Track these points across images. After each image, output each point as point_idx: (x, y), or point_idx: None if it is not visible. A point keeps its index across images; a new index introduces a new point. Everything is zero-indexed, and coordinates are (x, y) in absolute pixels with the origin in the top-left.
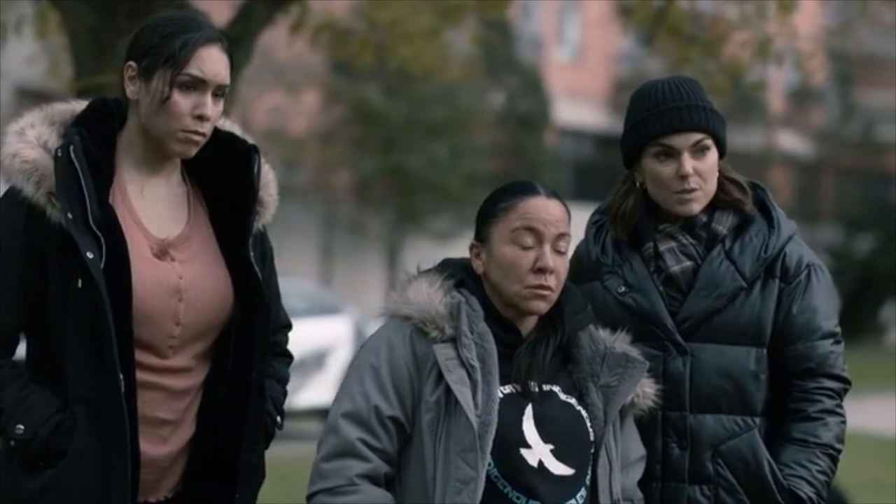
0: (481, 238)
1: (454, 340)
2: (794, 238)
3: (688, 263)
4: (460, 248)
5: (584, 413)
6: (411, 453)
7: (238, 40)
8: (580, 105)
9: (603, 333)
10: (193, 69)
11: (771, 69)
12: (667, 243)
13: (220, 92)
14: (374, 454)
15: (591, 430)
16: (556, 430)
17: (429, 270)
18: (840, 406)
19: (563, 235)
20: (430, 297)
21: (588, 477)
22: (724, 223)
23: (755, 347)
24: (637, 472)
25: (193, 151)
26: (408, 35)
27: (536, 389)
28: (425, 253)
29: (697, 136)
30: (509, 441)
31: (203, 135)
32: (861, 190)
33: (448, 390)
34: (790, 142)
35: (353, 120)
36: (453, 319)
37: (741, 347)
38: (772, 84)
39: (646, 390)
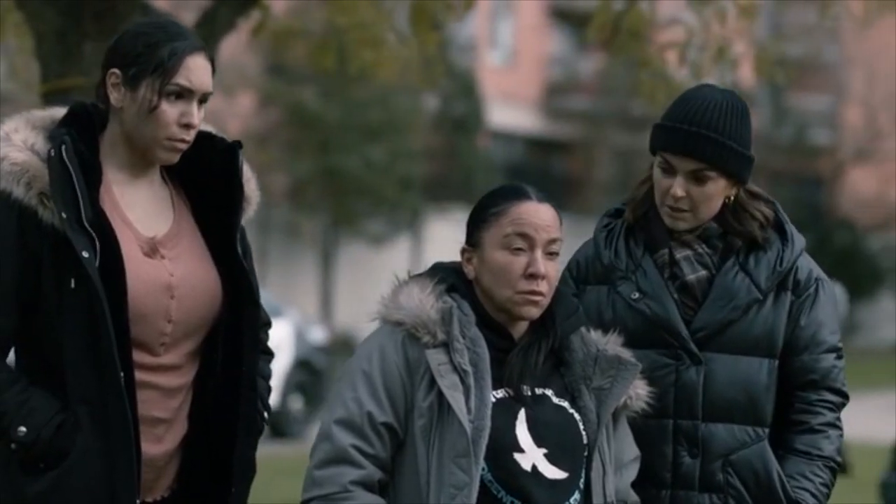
0: (472, 243)
1: (446, 345)
2: (804, 252)
3: (703, 272)
4: (395, 252)
5: (576, 416)
6: (404, 459)
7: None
8: (513, 108)
9: (595, 335)
10: (181, 79)
11: (703, 74)
12: (683, 251)
13: (203, 99)
14: (368, 460)
15: (584, 433)
16: (549, 434)
17: (420, 275)
18: (839, 419)
19: (554, 240)
20: (422, 302)
21: (582, 480)
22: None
23: (767, 359)
24: (630, 473)
25: (176, 158)
26: (372, 40)
27: (529, 393)
28: (360, 256)
29: (696, 165)
30: (503, 446)
31: (187, 142)
32: (793, 193)
33: (441, 396)
34: None
35: (288, 122)
36: (445, 324)
37: (754, 359)
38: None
39: (638, 392)
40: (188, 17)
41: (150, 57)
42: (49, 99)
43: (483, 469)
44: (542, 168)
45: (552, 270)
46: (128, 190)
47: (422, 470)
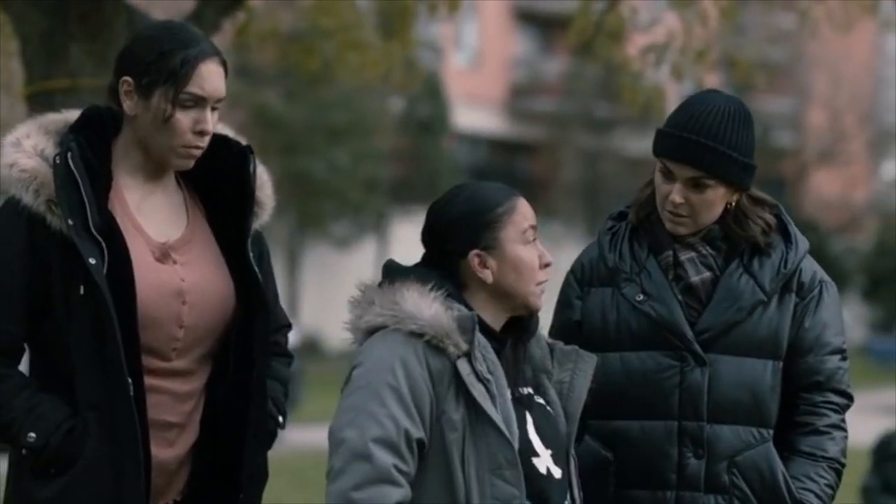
0: (486, 246)
1: (467, 355)
2: (807, 254)
3: (707, 274)
4: (360, 254)
5: (551, 411)
6: (427, 474)
7: None
8: (477, 110)
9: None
10: (195, 88)
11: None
12: (687, 253)
13: (218, 104)
14: (405, 479)
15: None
16: (550, 434)
17: (404, 279)
18: (844, 421)
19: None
20: (434, 311)
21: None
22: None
23: (772, 360)
24: None
25: (191, 164)
26: (356, 43)
27: (525, 394)
28: (325, 258)
29: (694, 173)
30: (523, 451)
31: (202, 148)
32: None
33: (469, 407)
34: None
35: (253, 125)
36: (464, 333)
37: (758, 360)
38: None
39: None
40: (163, 17)
41: (163, 66)
42: (33, 101)
43: None
44: (506, 169)
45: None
46: (140, 195)
47: (458, 485)
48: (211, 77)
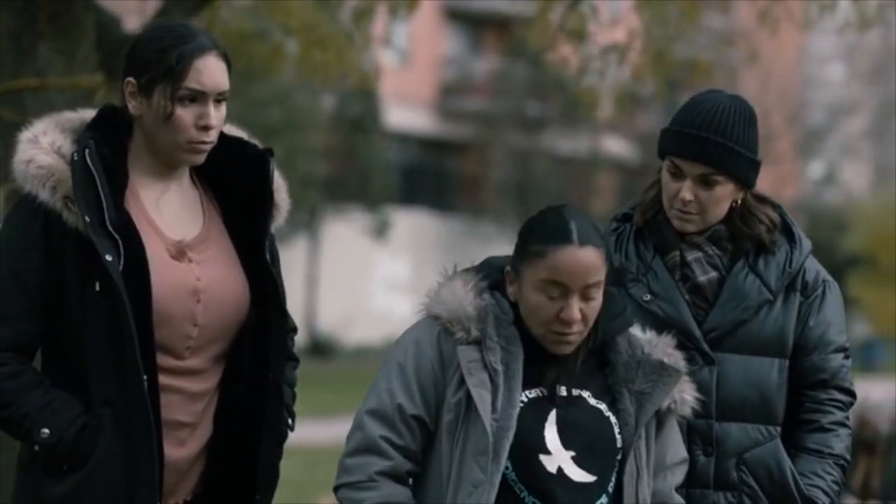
0: (515, 269)
1: (479, 343)
2: (811, 254)
3: (714, 274)
4: (293, 251)
5: (612, 419)
6: (433, 453)
7: None
8: (407, 109)
9: (647, 335)
10: (192, 83)
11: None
12: (693, 253)
13: (221, 98)
14: (397, 451)
15: (619, 436)
16: (579, 436)
17: (468, 270)
18: (847, 418)
19: (594, 284)
20: (461, 297)
21: (611, 484)
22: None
23: (778, 359)
24: (676, 475)
25: (202, 159)
26: (320, 41)
27: (564, 394)
28: None
29: (704, 170)
30: (529, 446)
31: (209, 143)
32: None
33: (469, 393)
34: (616, 146)
35: None
36: (480, 321)
37: (765, 358)
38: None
39: (684, 397)
40: (135, 19)
41: (160, 63)
42: (2, 99)
43: (507, 468)
44: (436, 169)
45: (590, 309)
46: (156, 194)
47: (444, 465)
48: (209, 71)
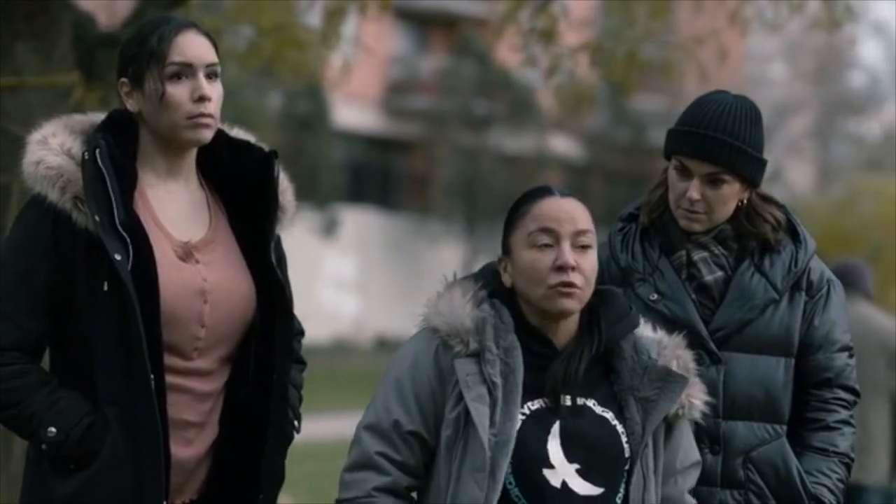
0: (505, 250)
1: (478, 355)
2: (815, 254)
3: (720, 273)
4: None
5: (619, 428)
6: (433, 468)
7: None
8: (355, 107)
9: (657, 335)
10: (176, 56)
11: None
12: (699, 253)
13: (211, 72)
14: (394, 467)
15: (626, 445)
16: (585, 448)
17: (466, 278)
18: (852, 416)
19: (583, 232)
20: (459, 309)
21: (620, 495)
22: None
23: (784, 358)
24: (688, 480)
25: (208, 135)
26: (295, 41)
27: (568, 404)
28: None
29: (712, 169)
30: (532, 461)
31: (210, 115)
32: (629, 193)
33: (467, 408)
34: (562, 145)
35: None
36: (478, 333)
37: (771, 357)
38: (544, 87)
39: (693, 401)
40: (104, 16)
41: (143, 51)
42: None
43: (510, 484)
44: (384, 167)
45: (586, 263)
46: (163, 195)
47: (443, 481)
48: (191, 44)
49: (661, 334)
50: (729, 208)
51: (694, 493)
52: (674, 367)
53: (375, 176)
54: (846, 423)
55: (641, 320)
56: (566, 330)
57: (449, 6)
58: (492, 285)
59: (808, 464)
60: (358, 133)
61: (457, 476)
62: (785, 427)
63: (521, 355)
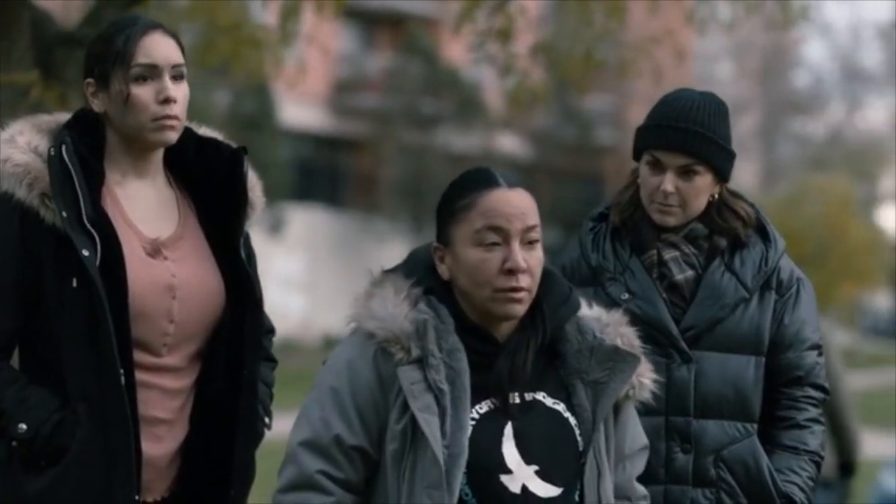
0: (443, 240)
1: (421, 361)
2: (785, 253)
3: (690, 273)
4: None
5: (571, 420)
6: (378, 483)
7: (86, 43)
8: (301, 106)
9: (593, 312)
10: (141, 58)
11: (488, 71)
12: (670, 252)
13: (177, 73)
14: (337, 486)
15: (579, 438)
16: (541, 447)
17: (395, 271)
18: (822, 414)
19: (532, 227)
20: (395, 311)
21: (578, 491)
22: (722, 238)
23: (755, 356)
24: (636, 465)
25: (174, 137)
26: (253, 40)
27: (518, 401)
28: None
29: (686, 160)
30: (488, 468)
31: (175, 117)
32: (576, 192)
33: (414, 418)
34: (509, 144)
35: None
36: (420, 338)
37: (742, 356)
38: (491, 86)
39: (642, 381)
40: (68, 16)
41: (109, 51)
42: None
43: (467, 495)
44: (331, 166)
45: (534, 261)
46: (131, 192)
47: (391, 497)
48: (156, 45)
49: (598, 310)
50: (701, 202)
51: (665, 491)
52: (619, 344)
53: (322, 174)
54: (816, 421)
55: (582, 300)
56: (508, 323)
57: (396, 5)
58: (426, 280)
59: (778, 462)
60: (305, 131)
61: (408, 492)
62: (756, 425)
63: (465, 355)
